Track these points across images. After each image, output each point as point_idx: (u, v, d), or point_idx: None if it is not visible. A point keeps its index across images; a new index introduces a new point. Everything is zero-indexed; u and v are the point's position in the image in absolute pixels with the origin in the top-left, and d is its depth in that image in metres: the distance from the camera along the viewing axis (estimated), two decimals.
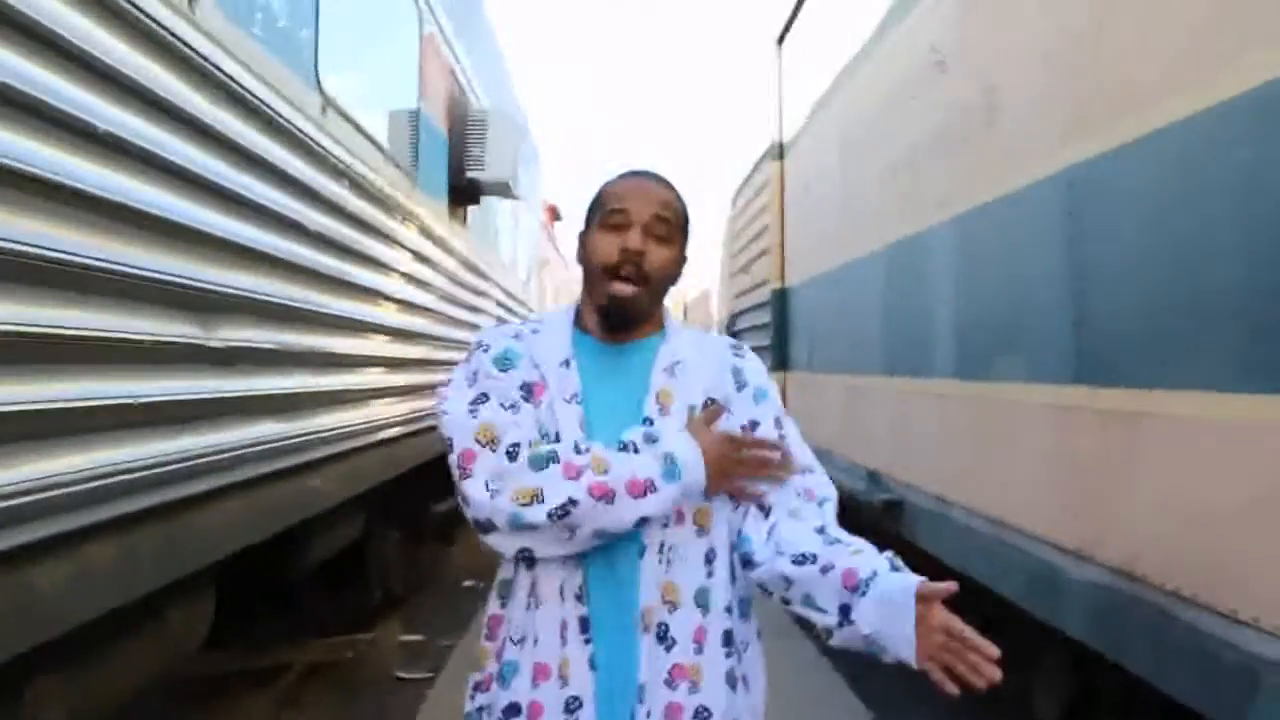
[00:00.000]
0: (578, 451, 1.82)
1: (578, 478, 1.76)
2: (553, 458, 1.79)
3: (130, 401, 2.40)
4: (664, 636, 1.85)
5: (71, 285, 2.17)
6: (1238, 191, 2.39)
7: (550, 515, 1.75)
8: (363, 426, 4.64)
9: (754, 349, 6.71)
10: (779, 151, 8.48)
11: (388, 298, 5.07)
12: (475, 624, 6.93)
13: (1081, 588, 3.10)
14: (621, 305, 1.92)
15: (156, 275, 2.54)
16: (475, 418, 1.85)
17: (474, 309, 7.80)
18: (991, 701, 5.64)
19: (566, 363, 1.95)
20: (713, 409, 1.95)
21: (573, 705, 1.82)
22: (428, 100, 6.07)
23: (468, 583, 8.59)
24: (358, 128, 4.43)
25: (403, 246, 5.37)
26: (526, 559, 1.87)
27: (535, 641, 1.87)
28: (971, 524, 4.05)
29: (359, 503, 4.82)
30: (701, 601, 1.88)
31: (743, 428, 1.97)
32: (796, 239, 8.03)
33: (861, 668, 5.92)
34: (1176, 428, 2.62)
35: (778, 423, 2.03)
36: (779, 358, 8.42)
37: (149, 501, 2.48)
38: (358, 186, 4.41)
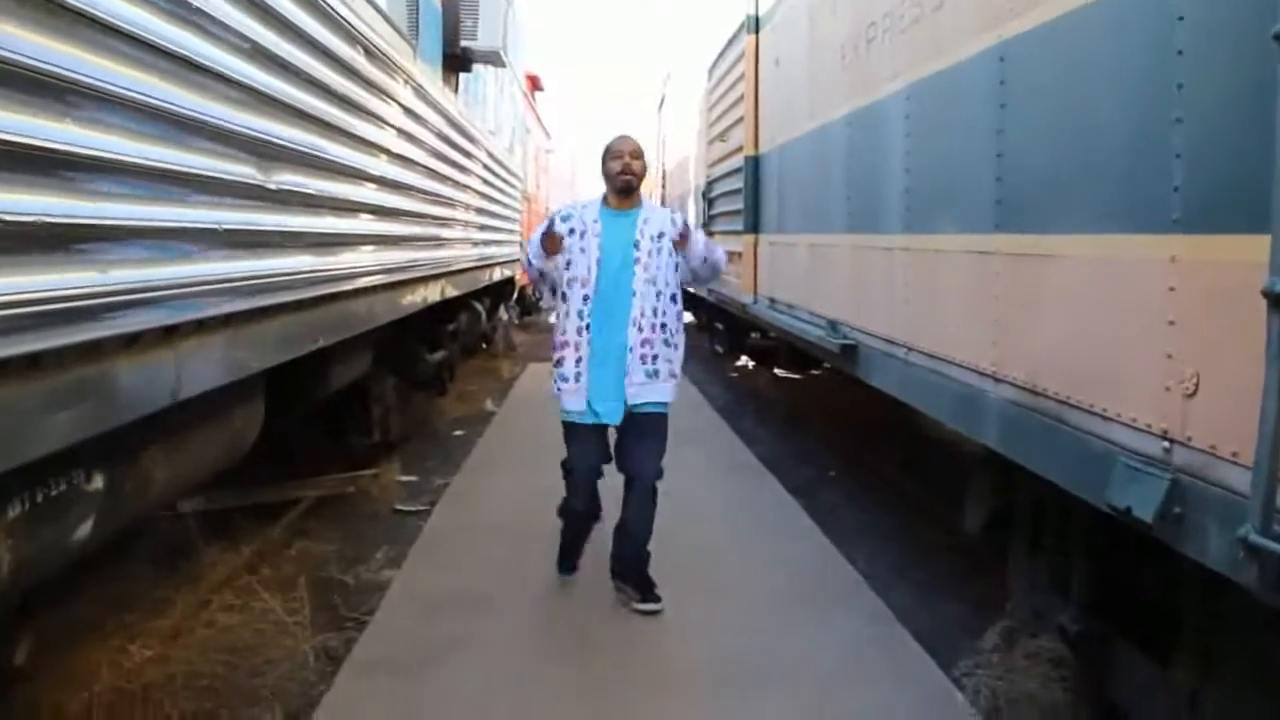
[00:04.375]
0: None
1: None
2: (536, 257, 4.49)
3: (214, 227, 2.88)
4: (640, 327, 4.43)
5: (163, 123, 2.63)
6: (1117, 70, 2.85)
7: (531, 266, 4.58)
8: (374, 268, 5.12)
9: (728, 213, 7.23)
10: (754, 25, 8.77)
11: (389, 152, 5.49)
12: (466, 467, 7.51)
13: (996, 404, 3.63)
14: (626, 186, 4.51)
15: (216, 121, 2.98)
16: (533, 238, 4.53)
17: (463, 169, 8.19)
18: (923, 515, 6.30)
19: (597, 220, 4.52)
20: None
21: (579, 360, 4.46)
22: None
23: (458, 432, 9.13)
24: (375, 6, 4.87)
25: (407, 111, 5.79)
26: (551, 286, 4.71)
27: (564, 332, 4.51)
28: (911, 360, 4.58)
29: (368, 339, 5.33)
30: (656, 313, 4.46)
31: (661, 233, 4.48)
32: (768, 108, 8.39)
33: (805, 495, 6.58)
34: (1066, 265, 3.12)
35: (687, 225, 4.53)
36: (751, 221, 8.85)
37: (219, 310, 2.96)
38: (371, 54, 4.82)
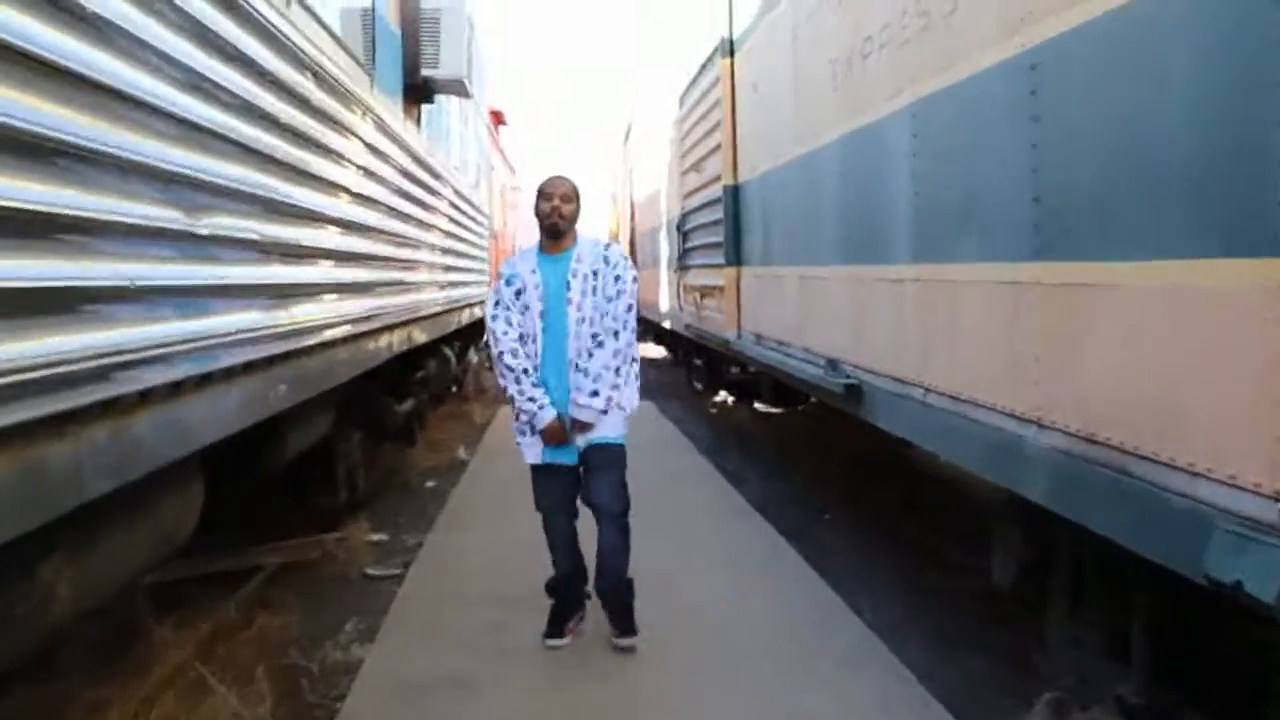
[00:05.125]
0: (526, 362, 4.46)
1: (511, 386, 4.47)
2: (510, 370, 4.45)
3: (123, 284, 2.42)
4: (577, 366, 4.40)
5: (63, 164, 2.18)
6: (1195, 66, 2.46)
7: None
8: (335, 320, 4.67)
9: (706, 246, 6.86)
10: (729, 48, 8.43)
11: (347, 191, 5.07)
12: (440, 522, 7.04)
13: (1041, 454, 3.23)
14: (554, 229, 4.46)
15: (141, 159, 2.54)
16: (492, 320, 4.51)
17: (428, 208, 7.76)
18: (928, 558, 5.92)
19: (534, 270, 4.46)
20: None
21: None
22: None
23: (430, 484, 8.63)
24: (321, 23, 4.40)
25: (363, 143, 5.35)
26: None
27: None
28: (929, 401, 4.18)
29: (330, 398, 4.87)
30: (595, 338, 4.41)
31: (594, 271, 4.44)
32: (748, 135, 8.03)
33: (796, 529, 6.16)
34: (1131, 296, 2.72)
35: (618, 280, 4.44)
36: (732, 253, 8.45)
37: (141, 385, 2.50)
38: (322, 81, 4.39)
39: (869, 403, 4.95)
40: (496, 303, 4.50)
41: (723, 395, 12.95)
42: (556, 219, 4.43)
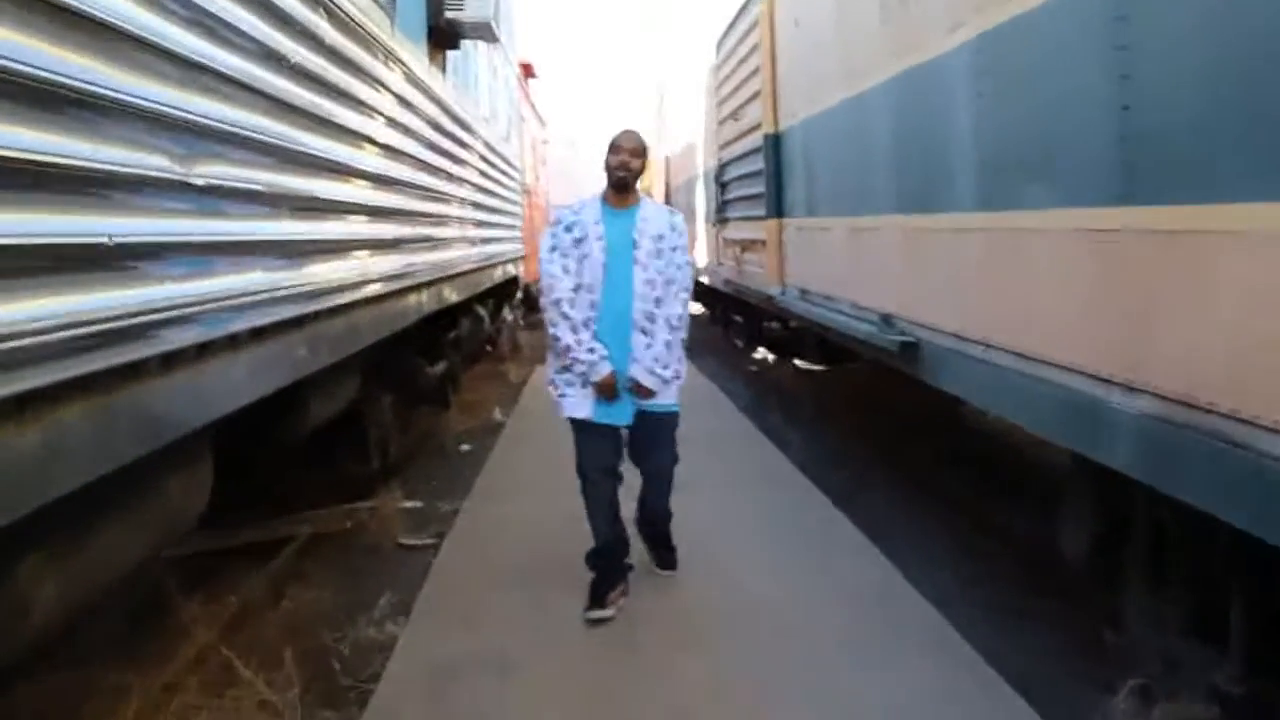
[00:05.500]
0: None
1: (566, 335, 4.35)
2: (566, 319, 4.35)
3: (105, 241, 2.16)
4: (643, 330, 4.34)
5: (55, 108, 1.93)
6: None
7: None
8: (356, 280, 4.41)
9: (746, 198, 6.61)
10: None
11: (370, 141, 4.79)
12: (476, 489, 6.81)
13: (1127, 418, 2.94)
14: (621, 183, 4.39)
15: (137, 100, 2.28)
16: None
17: (458, 160, 7.46)
18: (981, 524, 5.64)
19: (598, 221, 4.39)
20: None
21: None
22: None
23: (465, 447, 8.40)
24: None
25: (386, 89, 5.06)
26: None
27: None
28: (996, 360, 3.88)
29: (355, 362, 4.62)
30: (656, 316, 4.36)
31: (660, 235, 4.39)
32: (790, 80, 7.68)
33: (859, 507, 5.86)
34: (1253, 245, 2.40)
35: (678, 250, 4.43)
36: (774, 205, 8.13)
37: (132, 355, 2.25)
38: (339, 22, 4.10)
39: (927, 361, 4.65)
40: (553, 248, 4.42)
41: (762, 352, 12.65)
42: (624, 173, 4.37)
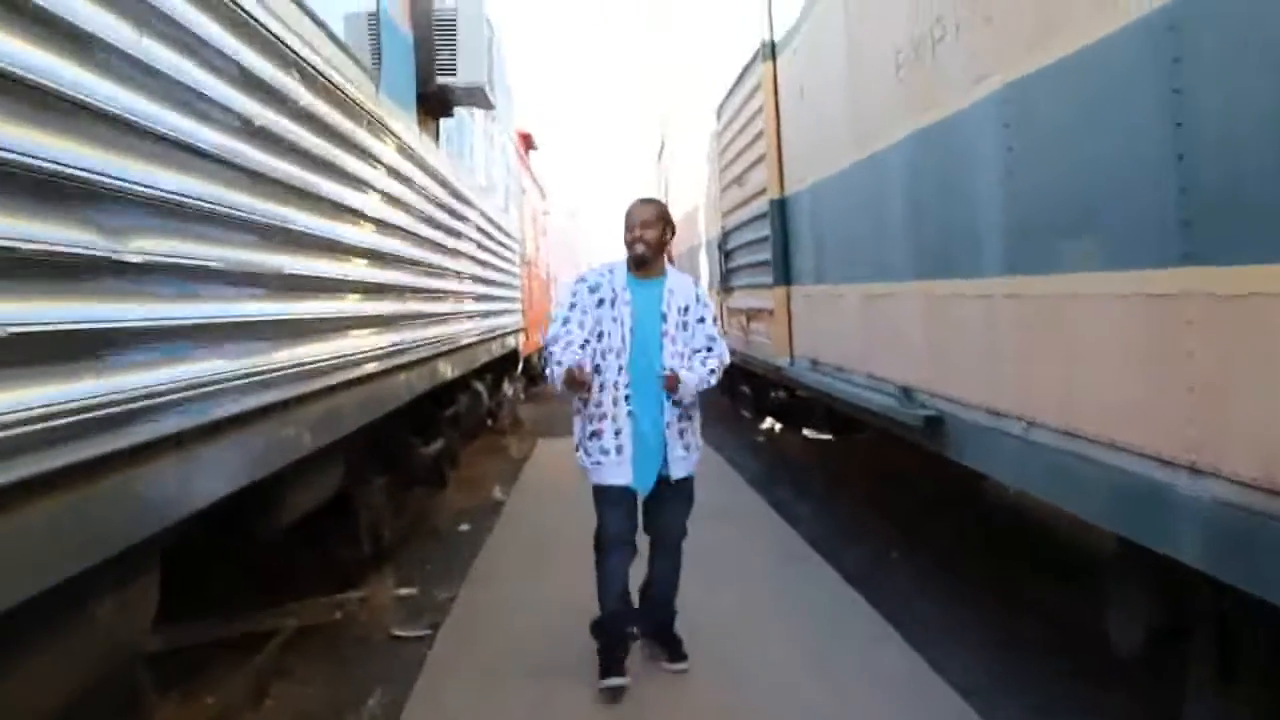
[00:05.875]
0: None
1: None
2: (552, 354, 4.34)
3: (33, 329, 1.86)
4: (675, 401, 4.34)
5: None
6: None
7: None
8: (337, 361, 4.07)
9: (751, 265, 6.41)
10: (770, 51, 7.87)
11: (353, 213, 4.49)
12: (474, 573, 6.47)
13: (1195, 505, 2.62)
14: (639, 259, 4.37)
15: (81, 174, 2.00)
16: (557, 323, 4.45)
17: (452, 232, 7.19)
18: (1014, 606, 5.28)
19: (626, 288, 4.35)
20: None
21: (619, 433, 4.33)
22: None
23: (463, 527, 8.05)
24: (307, 12, 3.82)
25: (370, 157, 4.78)
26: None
27: (599, 404, 4.36)
28: (1036, 439, 3.56)
29: (338, 449, 4.27)
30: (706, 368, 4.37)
31: (686, 307, 4.41)
32: (795, 144, 7.46)
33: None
34: None
35: (701, 320, 4.44)
36: (781, 272, 7.87)
37: (56, 462, 1.93)
38: (313, 83, 3.83)
39: (954, 438, 4.33)
40: (572, 305, 4.43)
41: (769, 421, 12.33)
42: (641, 247, 4.34)
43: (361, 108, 4.58)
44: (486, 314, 9.20)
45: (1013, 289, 3.71)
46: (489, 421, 11.86)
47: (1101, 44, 3.00)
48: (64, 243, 2.00)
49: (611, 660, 4.43)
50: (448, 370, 6.97)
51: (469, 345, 8.04)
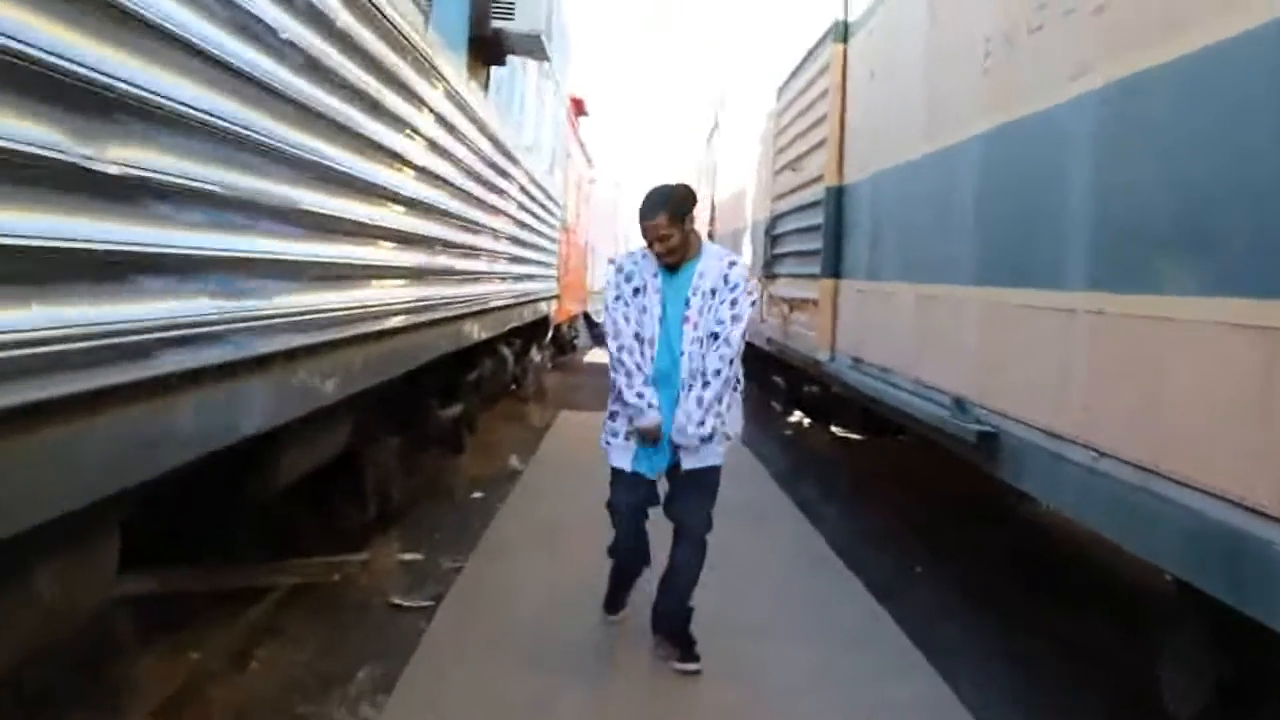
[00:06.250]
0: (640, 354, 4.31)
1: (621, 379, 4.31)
2: (622, 365, 4.31)
3: None
4: (690, 387, 4.20)
5: None
6: None
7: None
8: (353, 312, 3.78)
9: (799, 254, 6.10)
10: (843, 32, 7.52)
11: (389, 154, 4.20)
12: (483, 544, 6.22)
13: None
14: (663, 260, 4.24)
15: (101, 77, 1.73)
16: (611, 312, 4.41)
17: (494, 188, 6.89)
18: (1044, 632, 4.97)
19: (656, 275, 4.29)
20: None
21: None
22: None
23: (476, 494, 7.80)
24: None
25: (415, 98, 4.48)
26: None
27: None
28: (1104, 469, 3.24)
29: (346, 406, 3.98)
30: (705, 373, 4.18)
31: (713, 290, 4.22)
32: (859, 131, 7.13)
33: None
34: None
35: (735, 304, 4.19)
36: (831, 263, 7.56)
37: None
38: (357, 7, 3.51)
39: (1010, 458, 4.02)
40: (617, 297, 4.40)
41: (798, 415, 12.02)
42: (661, 248, 4.21)
43: (408, 41, 4.25)
44: (520, 277, 8.92)
45: (1096, 305, 3.38)
46: (513, 386, 11.61)
47: (1234, 43, 2.66)
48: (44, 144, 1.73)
49: (612, 599, 4.80)
50: (474, 332, 6.69)
51: (499, 308, 7.76)
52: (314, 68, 3.15)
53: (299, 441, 3.54)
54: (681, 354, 4.25)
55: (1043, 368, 3.79)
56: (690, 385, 4.21)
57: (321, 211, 3.33)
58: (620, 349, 4.32)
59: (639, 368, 4.28)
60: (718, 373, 4.17)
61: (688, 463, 4.32)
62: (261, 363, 2.76)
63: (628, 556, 4.64)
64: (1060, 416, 3.60)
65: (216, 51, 2.40)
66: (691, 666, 4.36)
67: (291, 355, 3.05)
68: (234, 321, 2.59)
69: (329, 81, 3.33)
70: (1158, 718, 3.34)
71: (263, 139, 2.80)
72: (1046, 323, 3.77)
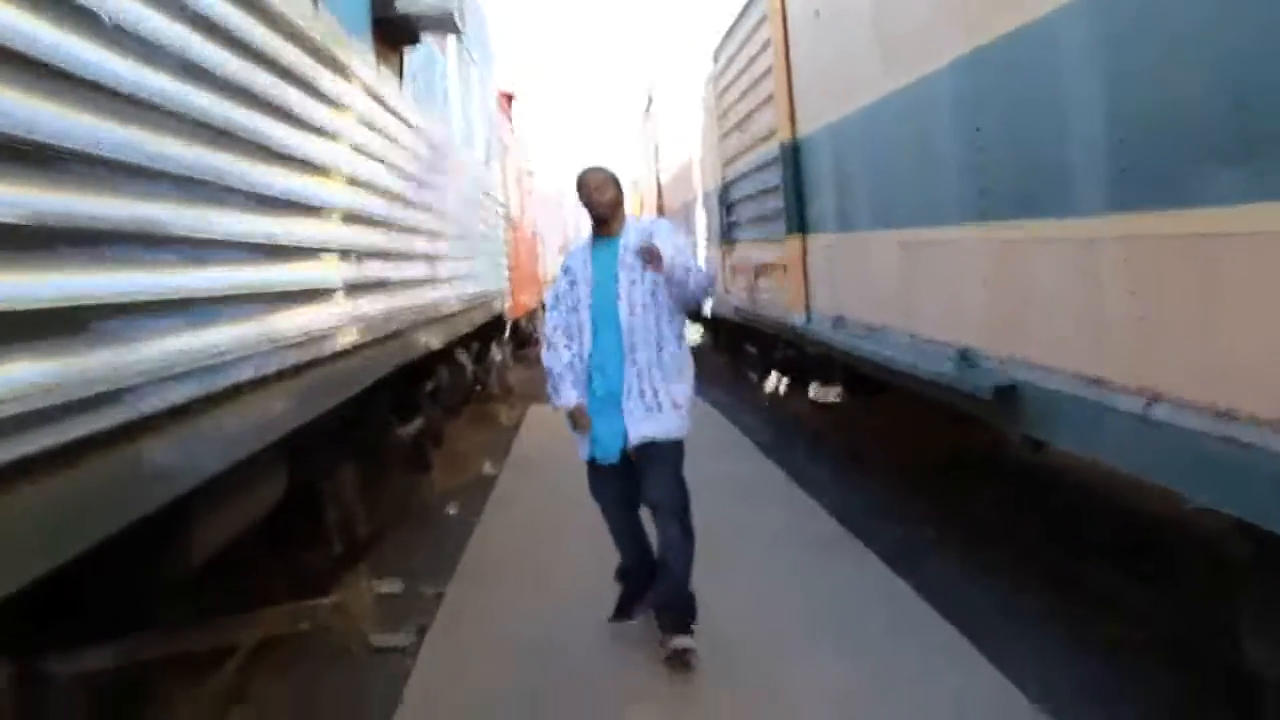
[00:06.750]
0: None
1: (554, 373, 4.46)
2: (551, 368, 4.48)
3: None
4: (633, 360, 4.33)
5: None
6: None
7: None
8: (265, 346, 3.21)
9: (758, 218, 6.83)
10: None
11: (283, 158, 3.64)
12: (465, 565, 5.78)
13: None
14: (598, 219, 4.47)
15: None
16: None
17: (429, 186, 6.37)
18: (1076, 591, 4.57)
19: (586, 264, 4.48)
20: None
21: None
22: None
23: (450, 510, 7.39)
24: None
25: (310, 89, 3.92)
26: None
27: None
28: (1158, 417, 2.82)
29: (276, 450, 3.43)
30: (647, 344, 4.32)
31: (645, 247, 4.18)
32: (810, 80, 6.68)
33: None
34: None
35: (668, 243, 4.26)
36: (795, 220, 7.13)
37: None
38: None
39: (1037, 414, 3.58)
40: (556, 296, 4.59)
41: (773, 381, 11.62)
42: (596, 209, 4.44)
43: (291, 25, 3.70)
44: (467, 277, 8.41)
45: (1121, 229, 2.96)
46: (477, 388, 11.20)
47: None
48: None
49: (621, 608, 4.65)
50: (422, 342, 6.20)
51: (447, 314, 7.26)
52: (168, 59, 2.61)
53: (217, 506, 2.99)
54: (619, 328, 4.35)
55: (1067, 306, 3.36)
56: (635, 360, 4.31)
57: (208, 237, 2.80)
58: (551, 346, 4.51)
59: (569, 365, 4.44)
60: (688, 271, 4.23)
61: (640, 439, 4.29)
62: (157, 421, 2.25)
63: (625, 555, 4.63)
64: (1096, 360, 3.17)
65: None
66: (685, 641, 4.22)
67: (188, 409, 2.51)
68: (103, 380, 2.08)
69: (194, 77, 2.77)
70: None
71: (108, 154, 2.27)
72: (1064, 255, 3.34)
